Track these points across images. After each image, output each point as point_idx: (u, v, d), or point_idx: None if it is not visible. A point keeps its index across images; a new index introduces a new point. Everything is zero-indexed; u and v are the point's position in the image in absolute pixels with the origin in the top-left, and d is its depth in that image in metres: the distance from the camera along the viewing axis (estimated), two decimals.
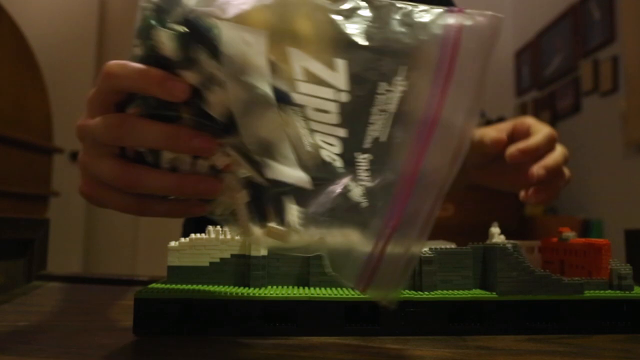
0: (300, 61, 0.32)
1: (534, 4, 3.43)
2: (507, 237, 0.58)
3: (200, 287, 0.46)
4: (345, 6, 0.32)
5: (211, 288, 0.45)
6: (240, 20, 0.31)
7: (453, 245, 0.52)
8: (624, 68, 2.44)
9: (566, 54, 2.98)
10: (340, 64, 0.32)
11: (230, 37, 0.31)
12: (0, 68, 1.83)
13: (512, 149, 0.61)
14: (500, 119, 3.30)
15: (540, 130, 0.63)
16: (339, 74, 0.32)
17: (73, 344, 0.39)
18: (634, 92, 2.36)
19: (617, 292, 0.45)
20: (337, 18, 0.32)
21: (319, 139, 0.33)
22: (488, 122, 3.33)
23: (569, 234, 0.52)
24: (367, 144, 0.33)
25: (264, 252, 0.46)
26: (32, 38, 2.02)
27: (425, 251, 0.47)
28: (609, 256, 0.47)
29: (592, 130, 2.73)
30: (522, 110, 3.49)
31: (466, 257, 0.47)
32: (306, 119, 0.33)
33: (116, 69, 0.35)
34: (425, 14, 0.32)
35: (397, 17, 0.32)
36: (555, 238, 0.53)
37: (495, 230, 0.59)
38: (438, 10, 0.32)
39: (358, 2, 0.33)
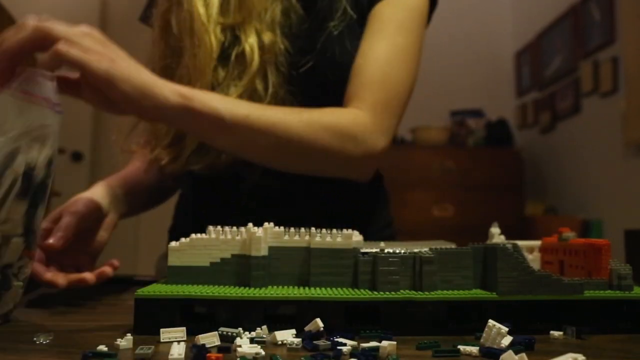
0: None
1: (534, 5, 3.42)
2: (507, 237, 0.58)
3: (200, 287, 0.46)
4: None
5: (212, 288, 0.45)
6: None
7: (453, 245, 0.52)
8: (624, 69, 2.44)
9: (566, 55, 2.98)
10: None
11: None
12: None
13: None
14: (501, 120, 3.30)
15: None
16: None
17: (73, 344, 0.39)
18: (634, 93, 2.36)
19: (617, 292, 0.45)
20: None
21: None
22: (488, 123, 3.32)
23: (569, 234, 0.52)
24: None
25: (264, 252, 0.46)
26: None
27: (425, 251, 0.47)
28: (608, 256, 0.47)
29: (592, 130, 2.73)
30: (523, 111, 3.49)
31: (466, 257, 0.47)
32: None
33: None
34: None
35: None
36: (555, 238, 0.54)
37: (495, 230, 0.59)
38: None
39: None
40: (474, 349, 0.37)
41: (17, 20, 1.95)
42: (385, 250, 0.47)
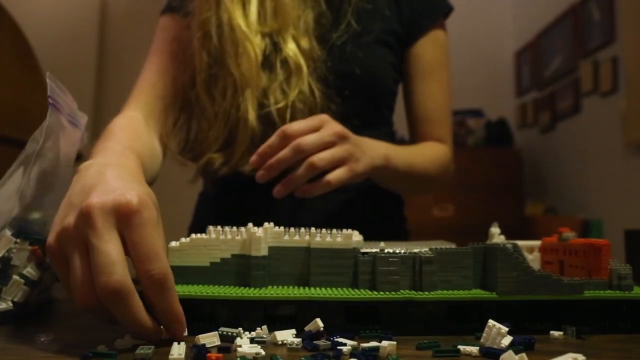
0: None
1: (534, 4, 3.42)
2: (507, 237, 0.58)
3: (200, 287, 0.46)
4: None
5: (212, 288, 0.45)
6: None
7: (453, 245, 0.52)
8: (623, 69, 2.44)
9: (566, 55, 2.98)
10: None
11: None
12: (0, 68, 1.83)
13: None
14: (500, 120, 3.30)
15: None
16: None
17: (73, 344, 0.39)
18: (634, 93, 2.36)
19: (617, 292, 0.45)
20: None
21: None
22: (488, 123, 3.32)
23: (569, 234, 0.52)
24: None
25: (264, 252, 0.46)
26: (32, 38, 2.02)
27: (425, 251, 0.47)
28: (608, 256, 0.47)
29: (592, 130, 2.73)
30: (523, 111, 3.49)
31: (466, 257, 0.47)
32: None
33: None
34: None
35: None
36: (555, 238, 0.54)
37: (495, 230, 0.59)
38: None
39: None
40: (474, 349, 0.37)
41: (17, 20, 1.95)
42: (385, 250, 0.47)
